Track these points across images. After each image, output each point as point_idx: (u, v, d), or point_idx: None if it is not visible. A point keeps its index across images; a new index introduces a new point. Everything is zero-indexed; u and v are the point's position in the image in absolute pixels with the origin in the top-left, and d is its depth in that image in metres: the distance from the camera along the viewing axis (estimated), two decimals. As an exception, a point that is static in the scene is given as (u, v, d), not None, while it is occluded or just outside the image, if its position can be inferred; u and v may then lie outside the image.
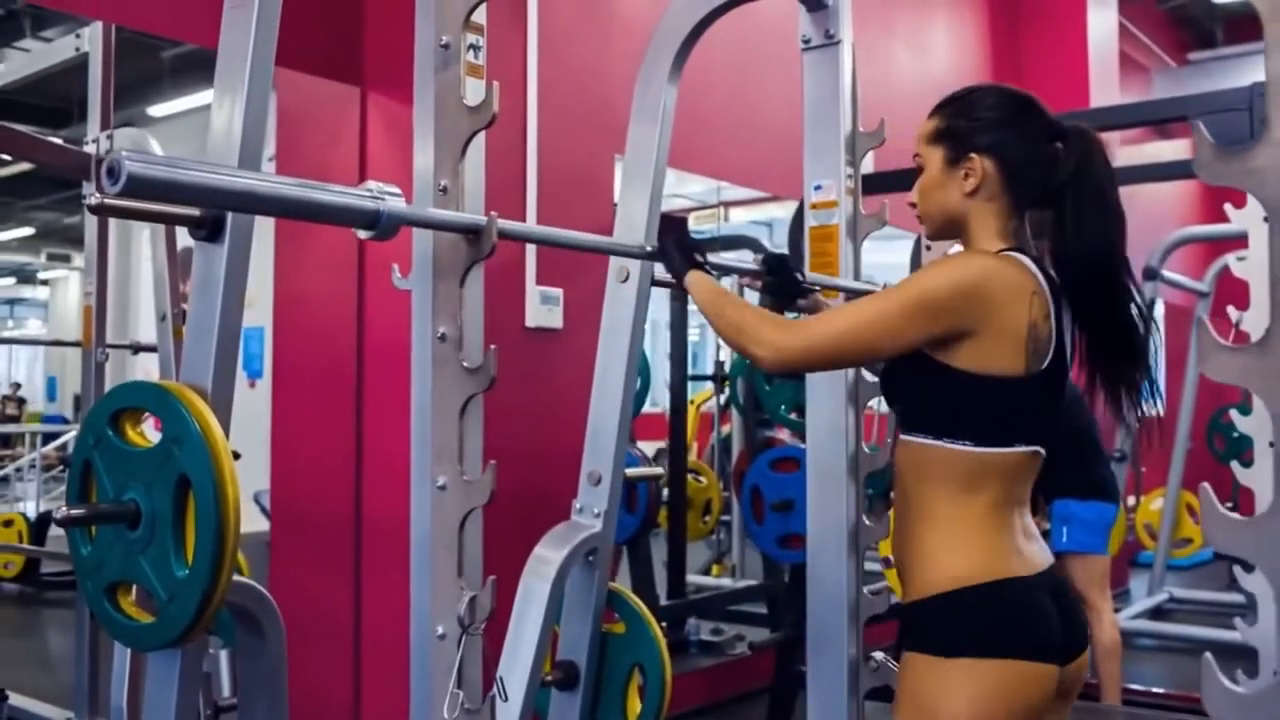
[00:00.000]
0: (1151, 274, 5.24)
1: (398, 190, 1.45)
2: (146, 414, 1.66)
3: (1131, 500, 6.60)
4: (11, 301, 23.11)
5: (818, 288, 2.14)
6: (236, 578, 1.74)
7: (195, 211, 1.62)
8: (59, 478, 10.95)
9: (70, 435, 9.66)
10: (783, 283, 2.06)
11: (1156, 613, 5.86)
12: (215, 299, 1.60)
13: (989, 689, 1.43)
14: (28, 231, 16.90)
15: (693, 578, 5.82)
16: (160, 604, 1.54)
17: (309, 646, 2.99)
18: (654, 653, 2.33)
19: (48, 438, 10.53)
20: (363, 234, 1.48)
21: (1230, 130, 3.10)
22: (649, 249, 1.78)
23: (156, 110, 10.30)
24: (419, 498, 1.41)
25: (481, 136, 1.50)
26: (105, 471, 1.62)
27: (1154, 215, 7.94)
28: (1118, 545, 4.60)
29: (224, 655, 3.17)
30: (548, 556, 2.22)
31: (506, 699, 1.49)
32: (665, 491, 5.28)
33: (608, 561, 2.33)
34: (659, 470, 2.95)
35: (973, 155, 1.59)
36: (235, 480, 1.52)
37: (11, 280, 21.30)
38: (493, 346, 1.41)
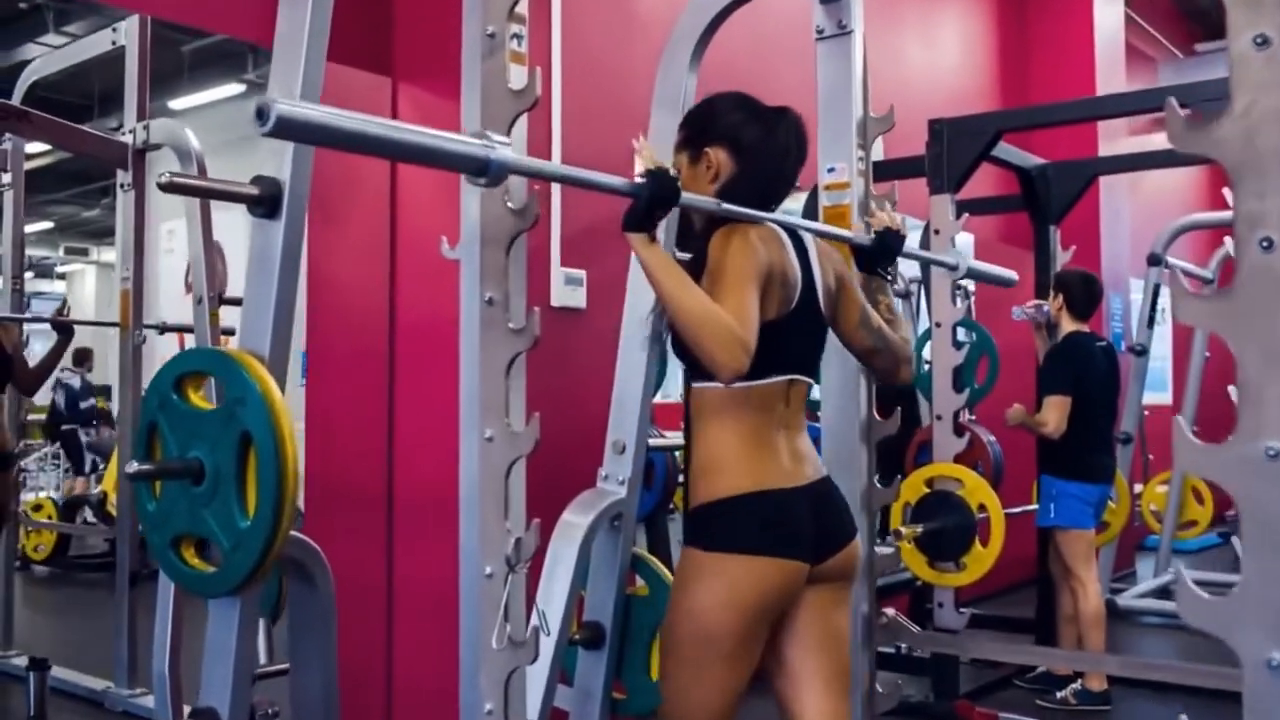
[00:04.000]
0: (1155, 260, 5.33)
1: (509, 140, 1.55)
2: (207, 378, 1.79)
3: (1139, 487, 6.70)
4: (30, 295, 23.35)
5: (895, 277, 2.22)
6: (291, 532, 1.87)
7: (254, 190, 1.75)
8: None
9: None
10: (877, 261, 2.09)
11: (1163, 592, 5.96)
12: (273, 273, 1.73)
13: (738, 576, 1.72)
14: (46, 225, 17.08)
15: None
16: (224, 553, 1.67)
17: (342, 616, 3.12)
18: (675, 613, 2.44)
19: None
20: (475, 181, 1.53)
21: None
22: (632, 188, 1.65)
23: (176, 104, 10.44)
24: (468, 449, 1.53)
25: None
26: (170, 431, 1.74)
27: (1163, 204, 8.03)
28: (1120, 527, 4.71)
29: (262, 624, 3.31)
30: (575, 521, 2.34)
31: (550, 633, 1.61)
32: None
33: (632, 526, 2.45)
34: (677, 439, 3.06)
35: (707, 150, 1.88)
36: (294, 438, 1.64)
37: (30, 274, 21.50)
38: (535, 309, 1.53)
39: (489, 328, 1.51)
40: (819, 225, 2.17)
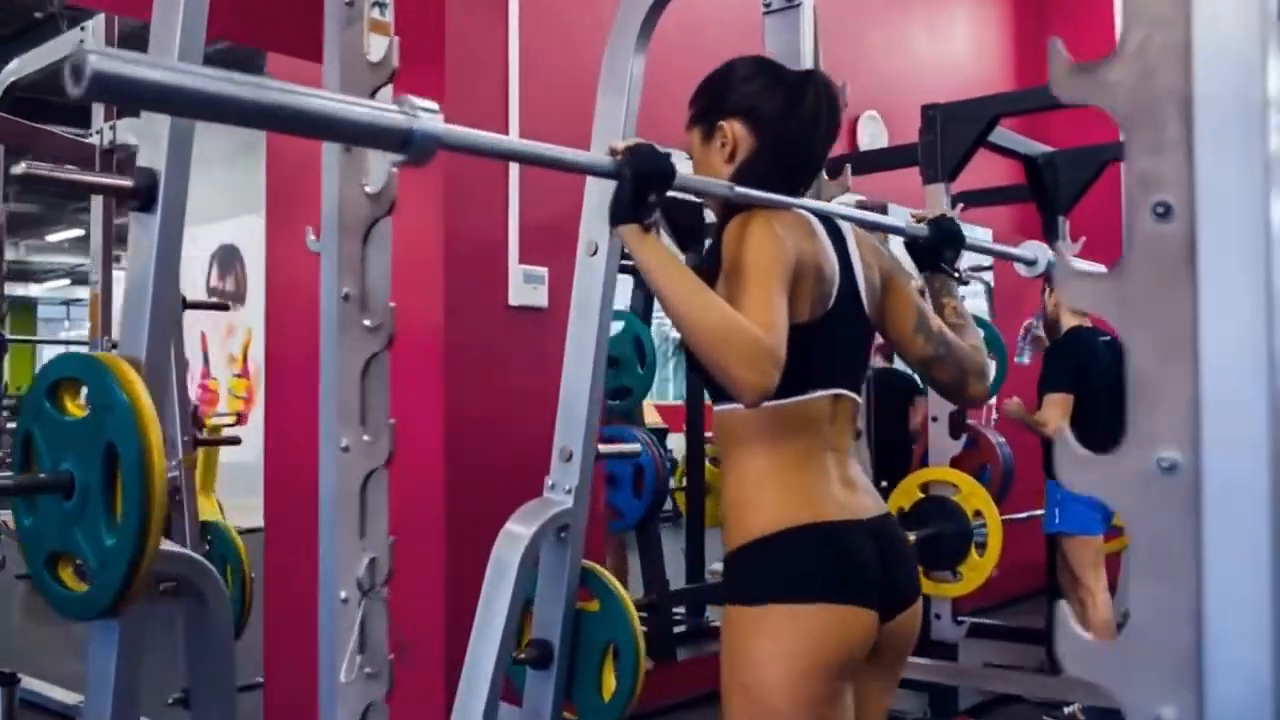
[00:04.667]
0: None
1: (435, 106, 1.19)
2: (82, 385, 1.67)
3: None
4: (67, 302, 23.57)
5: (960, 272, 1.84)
6: (174, 548, 1.75)
7: (127, 182, 1.62)
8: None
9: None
10: (939, 255, 1.78)
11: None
12: (149, 271, 1.60)
13: (798, 632, 1.39)
14: (78, 233, 17.24)
15: (717, 565, 5.78)
16: (91, 573, 1.55)
17: (301, 632, 3.01)
18: (627, 630, 2.30)
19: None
20: (394, 158, 1.20)
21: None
22: (613, 166, 1.38)
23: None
24: (325, 460, 1.40)
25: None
26: (44, 442, 1.62)
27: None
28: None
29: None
30: (517, 531, 2.20)
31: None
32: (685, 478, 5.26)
33: (581, 538, 2.31)
34: (635, 447, 2.91)
35: (721, 124, 1.60)
36: (161, 449, 1.51)
37: (66, 281, 21.71)
38: (392, 304, 1.39)
39: (344, 326, 1.37)
40: (862, 213, 1.86)
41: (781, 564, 1.45)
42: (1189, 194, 0.79)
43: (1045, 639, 4.26)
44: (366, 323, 1.40)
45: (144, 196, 1.60)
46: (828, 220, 1.61)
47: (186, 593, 1.77)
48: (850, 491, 1.53)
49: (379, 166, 1.46)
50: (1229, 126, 0.79)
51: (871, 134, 4.74)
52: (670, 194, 1.43)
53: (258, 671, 3.27)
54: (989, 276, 5.63)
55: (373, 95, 1.43)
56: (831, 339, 1.52)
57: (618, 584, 2.34)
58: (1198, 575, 0.78)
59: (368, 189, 1.45)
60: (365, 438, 1.40)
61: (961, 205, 4.07)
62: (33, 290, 22.10)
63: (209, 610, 1.75)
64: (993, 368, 1.73)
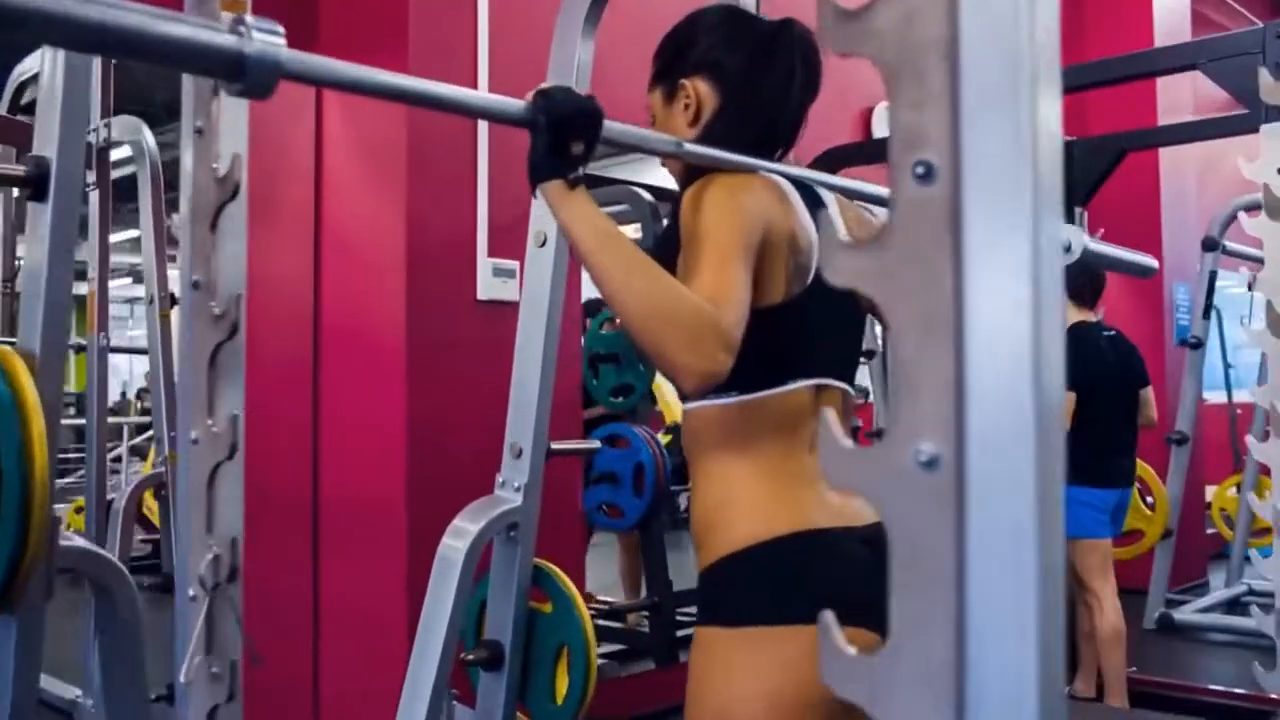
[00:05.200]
0: (1211, 245, 4.90)
1: (277, 28, 1.00)
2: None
3: (1211, 490, 6.23)
4: (130, 300, 24.03)
5: None
6: (83, 544, 1.71)
7: (19, 170, 1.59)
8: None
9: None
10: None
11: (1232, 605, 5.48)
12: (42, 262, 1.57)
13: (782, 660, 1.20)
14: (134, 233, 17.57)
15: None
16: (-24, 569, 1.52)
17: (274, 624, 2.99)
18: (579, 632, 2.24)
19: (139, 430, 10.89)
20: (229, 89, 1.01)
21: (1243, 76, 2.85)
22: (524, 113, 1.20)
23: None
24: (180, 452, 1.35)
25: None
26: (-60, 437, 1.60)
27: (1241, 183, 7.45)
28: (1155, 535, 4.31)
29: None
30: (464, 528, 2.17)
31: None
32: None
33: (531, 536, 2.25)
34: (594, 444, 2.84)
35: (683, 82, 1.44)
36: (44, 443, 1.48)
37: (128, 280, 22.14)
38: (238, 293, 1.34)
39: (194, 315, 1.33)
40: (845, 181, 1.67)
41: (762, 580, 1.26)
42: (952, 153, 0.70)
43: (1069, 647, 4.11)
44: (215, 311, 1.36)
45: (35, 185, 1.57)
46: (804, 186, 1.42)
47: (95, 593, 1.74)
48: (845, 495, 1.24)
49: (227, 147, 1.41)
50: (993, 76, 0.71)
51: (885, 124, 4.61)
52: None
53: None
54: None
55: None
56: (811, 321, 1.33)
57: (571, 584, 2.28)
58: (958, 582, 0.69)
59: (218, 171, 1.40)
60: (214, 430, 1.35)
61: (1102, 231, 3.98)
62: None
63: (117, 608, 1.72)
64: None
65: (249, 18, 1.03)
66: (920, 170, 0.70)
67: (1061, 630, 0.65)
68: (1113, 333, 3.72)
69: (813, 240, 1.34)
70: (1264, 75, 2.71)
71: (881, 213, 1.88)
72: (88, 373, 3.77)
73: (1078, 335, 3.61)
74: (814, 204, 1.42)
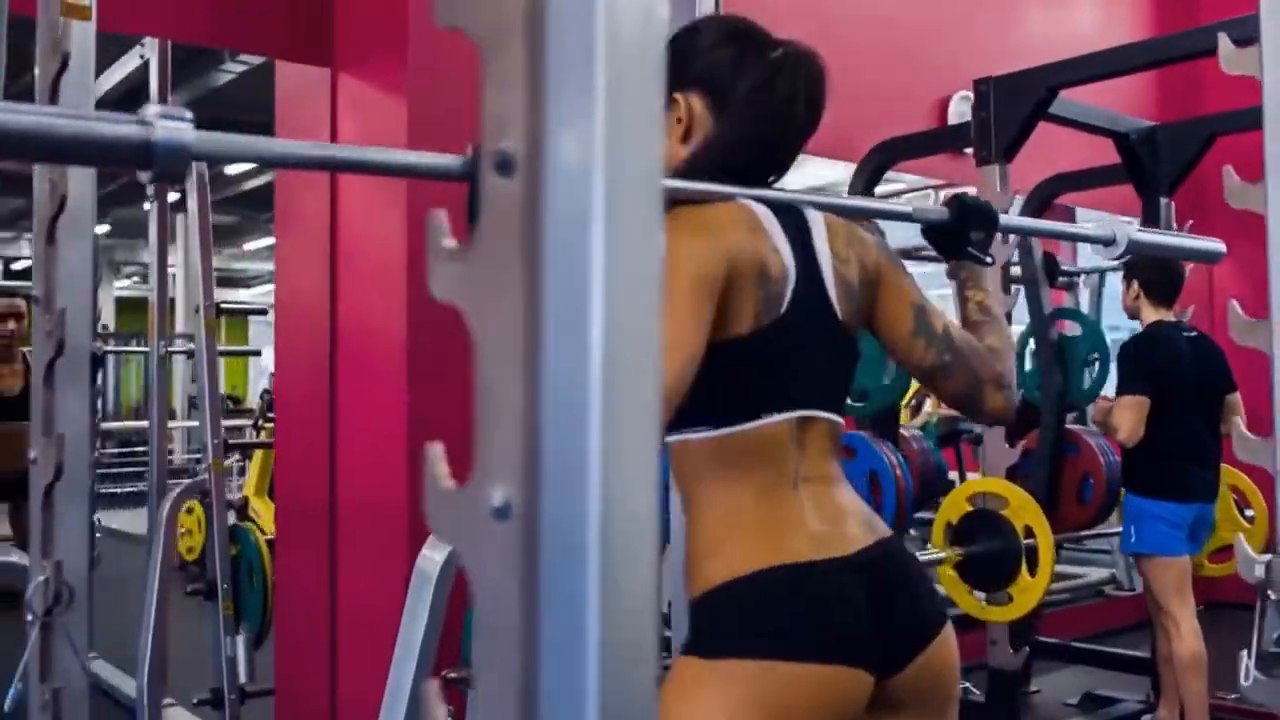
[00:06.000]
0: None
1: (184, 113, 1.06)
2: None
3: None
4: (263, 311, 25.04)
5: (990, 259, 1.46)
6: (13, 559, 1.72)
7: None
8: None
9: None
10: (964, 239, 1.41)
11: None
12: None
13: (752, 694, 1.16)
14: (269, 240, 18.32)
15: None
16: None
17: (309, 640, 3.02)
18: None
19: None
20: (142, 177, 1.13)
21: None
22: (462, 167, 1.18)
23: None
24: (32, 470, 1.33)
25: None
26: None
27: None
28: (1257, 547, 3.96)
29: (241, 641, 3.25)
30: (431, 554, 2.11)
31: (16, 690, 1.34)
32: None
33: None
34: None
35: (677, 96, 1.35)
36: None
37: (270, 286, 23.07)
38: (62, 308, 1.29)
39: (35, 331, 1.29)
40: (836, 200, 1.60)
41: (742, 613, 1.23)
42: (533, 141, 0.59)
43: (1151, 670, 3.82)
44: (46, 327, 1.32)
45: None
46: (788, 210, 1.34)
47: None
48: (833, 524, 1.29)
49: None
50: (578, 53, 0.60)
51: (961, 114, 4.38)
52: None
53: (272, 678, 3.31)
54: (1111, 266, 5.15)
55: (57, 78, 1.33)
56: (787, 352, 1.29)
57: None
58: (526, 649, 0.59)
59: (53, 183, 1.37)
60: (48, 449, 1.31)
61: (1190, 222, 3.74)
62: (241, 294, 23.57)
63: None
64: (1014, 372, 1.42)
65: (152, 107, 1.02)
66: (500, 163, 0.59)
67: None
68: (1194, 333, 3.43)
69: (788, 267, 1.30)
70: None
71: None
72: (147, 377, 3.89)
73: (1154, 336, 3.34)
74: (796, 226, 1.35)
